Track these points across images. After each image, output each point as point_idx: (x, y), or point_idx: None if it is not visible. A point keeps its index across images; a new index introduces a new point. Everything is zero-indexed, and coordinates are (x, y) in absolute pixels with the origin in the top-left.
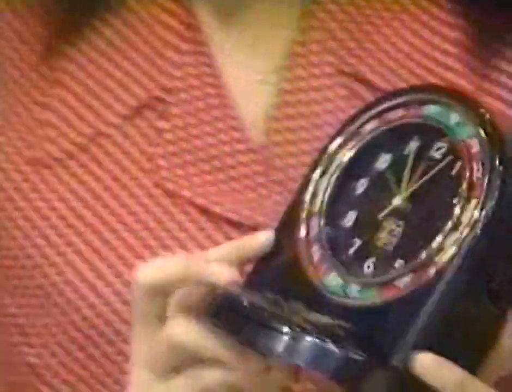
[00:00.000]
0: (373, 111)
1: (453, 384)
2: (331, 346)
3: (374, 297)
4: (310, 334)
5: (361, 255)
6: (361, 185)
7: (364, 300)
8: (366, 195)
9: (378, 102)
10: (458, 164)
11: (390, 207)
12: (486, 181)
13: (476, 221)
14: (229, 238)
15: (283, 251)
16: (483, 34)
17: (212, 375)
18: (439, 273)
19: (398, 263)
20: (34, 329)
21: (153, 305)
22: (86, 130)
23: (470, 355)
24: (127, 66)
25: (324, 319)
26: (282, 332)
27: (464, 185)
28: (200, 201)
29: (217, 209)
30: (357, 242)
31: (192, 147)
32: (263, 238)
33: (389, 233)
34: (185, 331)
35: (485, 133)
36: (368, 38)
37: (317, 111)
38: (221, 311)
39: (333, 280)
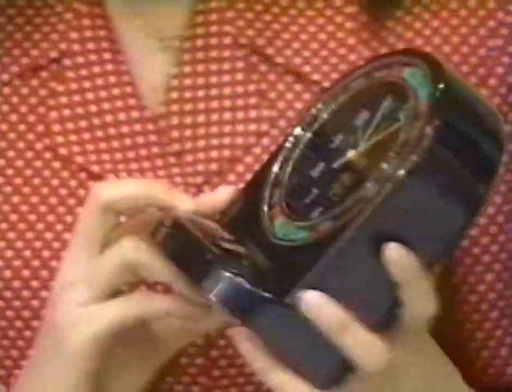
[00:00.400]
0: (361, 71)
1: (334, 324)
2: (238, 279)
3: (303, 240)
4: (222, 266)
5: (314, 204)
6: (338, 139)
7: (294, 242)
8: (338, 149)
9: (367, 61)
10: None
11: (345, 160)
12: (415, 145)
13: (390, 182)
14: None
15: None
16: (375, 9)
17: (160, 302)
18: (347, 224)
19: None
20: None
21: (104, 222)
22: None
23: (367, 309)
24: (27, 27)
25: (248, 254)
26: (206, 263)
27: (397, 145)
28: (93, 168)
29: (110, 177)
30: (315, 192)
31: (86, 113)
32: (224, 195)
33: (340, 186)
34: (136, 250)
35: (434, 99)
36: (266, 10)
37: (215, 82)
38: (166, 239)
39: (279, 222)
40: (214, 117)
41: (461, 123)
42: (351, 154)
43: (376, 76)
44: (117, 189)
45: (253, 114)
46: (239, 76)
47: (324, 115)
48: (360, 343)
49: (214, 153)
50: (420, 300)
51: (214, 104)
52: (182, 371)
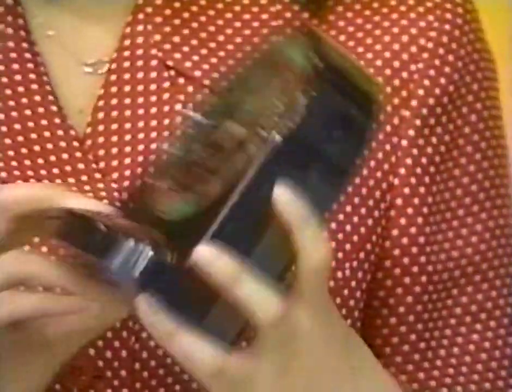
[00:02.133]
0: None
1: (227, 276)
2: (139, 245)
3: (194, 210)
4: (122, 237)
5: (198, 176)
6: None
7: (186, 214)
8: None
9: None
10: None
11: (222, 130)
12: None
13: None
14: None
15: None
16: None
17: (30, 300)
18: (234, 185)
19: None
20: None
21: None
22: None
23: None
24: None
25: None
26: (105, 237)
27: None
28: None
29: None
30: (198, 166)
31: (10, 131)
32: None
33: (221, 155)
34: (19, 263)
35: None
36: (193, 35)
37: (141, 102)
38: (61, 227)
39: (167, 201)
40: (141, 135)
41: (334, 92)
42: (228, 124)
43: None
44: (11, 191)
45: (179, 132)
46: (165, 96)
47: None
48: (253, 294)
49: (140, 170)
50: (310, 245)
51: (141, 123)
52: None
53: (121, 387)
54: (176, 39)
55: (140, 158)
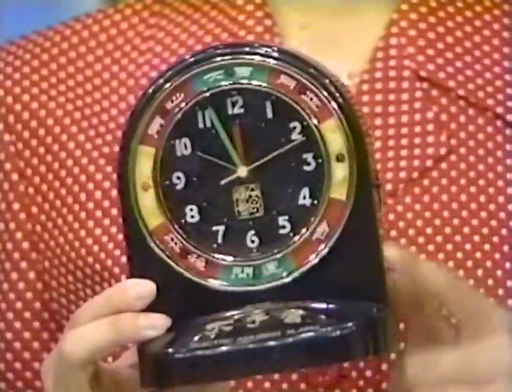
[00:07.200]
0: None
1: None
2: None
3: (292, 264)
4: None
5: (235, 234)
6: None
7: (283, 271)
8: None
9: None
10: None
11: (233, 177)
12: None
13: None
14: None
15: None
16: None
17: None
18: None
19: (282, 220)
20: None
21: (86, 376)
22: None
23: None
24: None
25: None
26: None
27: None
28: None
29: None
30: (220, 228)
31: None
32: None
33: (247, 202)
34: None
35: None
36: (448, 49)
37: (392, 111)
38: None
39: (232, 272)
40: (391, 142)
41: None
42: (241, 173)
43: None
44: (86, 343)
45: (430, 139)
46: (417, 105)
47: None
48: None
49: (389, 175)
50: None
51: (391, 131)
52: None
53: (366, 387)
54: (430, 52)
55: (390, 164)
